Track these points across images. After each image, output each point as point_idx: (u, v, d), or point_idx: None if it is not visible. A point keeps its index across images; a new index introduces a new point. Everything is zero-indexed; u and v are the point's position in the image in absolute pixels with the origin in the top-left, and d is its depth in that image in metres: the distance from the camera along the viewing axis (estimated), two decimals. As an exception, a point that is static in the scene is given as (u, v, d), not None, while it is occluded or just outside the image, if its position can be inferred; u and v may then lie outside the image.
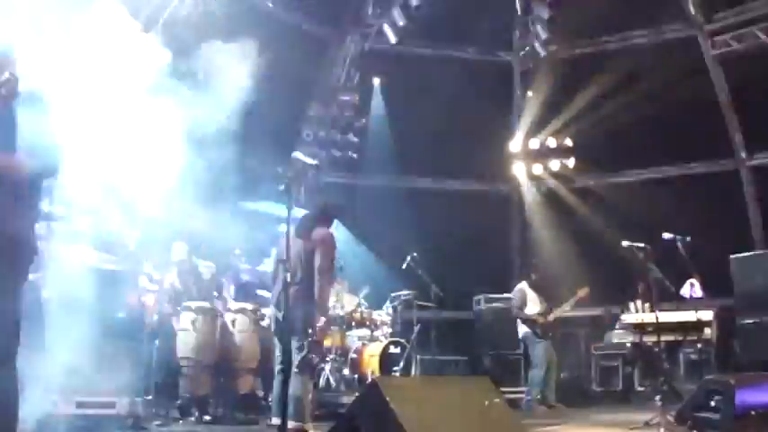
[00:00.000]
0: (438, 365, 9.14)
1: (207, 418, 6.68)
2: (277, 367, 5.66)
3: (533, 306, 8.80)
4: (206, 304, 7.27)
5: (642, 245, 6.69)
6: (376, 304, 8.94)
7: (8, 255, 3.01)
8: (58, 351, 5.50)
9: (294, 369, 5.30)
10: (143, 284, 7.77)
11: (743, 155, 10.57)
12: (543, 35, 10.34)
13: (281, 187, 4.80)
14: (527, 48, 10.96)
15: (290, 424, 4.94)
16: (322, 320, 5.49)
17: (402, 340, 8.58)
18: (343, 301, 8.49)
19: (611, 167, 10.85)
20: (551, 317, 8.75)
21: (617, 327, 8.83)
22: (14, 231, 3.04)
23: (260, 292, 8.21)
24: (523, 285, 8.93)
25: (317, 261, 5.44)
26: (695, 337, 8.02)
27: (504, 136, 11.39)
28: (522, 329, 8.78)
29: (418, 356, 8.63)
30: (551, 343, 8.77)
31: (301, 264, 5.47)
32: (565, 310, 8.84)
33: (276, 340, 5.75)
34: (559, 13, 9.96)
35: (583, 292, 8.79)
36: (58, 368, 5.45)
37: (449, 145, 10.67)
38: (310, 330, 5.37)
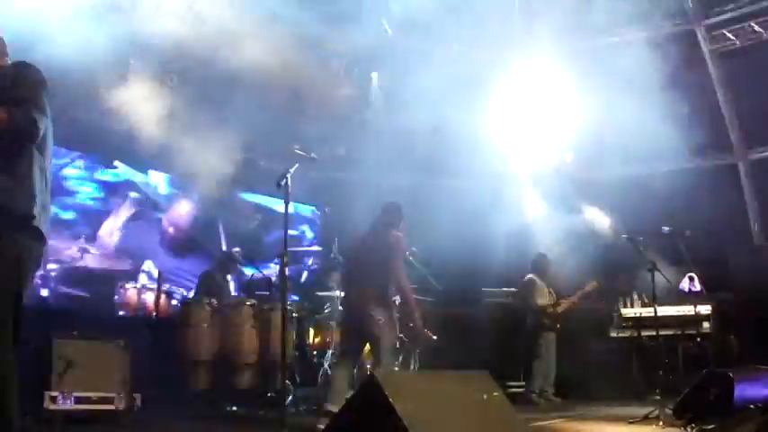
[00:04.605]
0: (437, 360, 9.13)
1: (206, 413, 6.68)
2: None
3: (541, 298, 8.89)
4: (206, 300, 7.28)
5: (641, 238, 6.70)
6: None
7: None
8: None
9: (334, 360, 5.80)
10: (143, 282, 7.83)
11: (741, 149, 10.57)
12: (541, 28, 10.34)
13: (283, 182, 4.81)
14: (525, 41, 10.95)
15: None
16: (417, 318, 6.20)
17: (401, 335, 8.58)
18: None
19: (610, 162, 10.83)
20: (560, 309, 8.82)
21: (616, 321, 8.83)
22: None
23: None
24: (532, 277, 9.02)
25: (394, 263, 5.88)
26: (694, 331, 8.06)
27: (503, 130, 11.35)
28: (530, 320, 8.85)
29: (417, 351, 8.64)
30: (555, 336, 8.81)
31: (377, 267, 5.88)
32: (573, 302, 8.89)
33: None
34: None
35: (591, 286, 8.84)
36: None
37: (448, 140, 10.65)
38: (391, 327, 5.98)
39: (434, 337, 6.94)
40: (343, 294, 6.72)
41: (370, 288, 5.87)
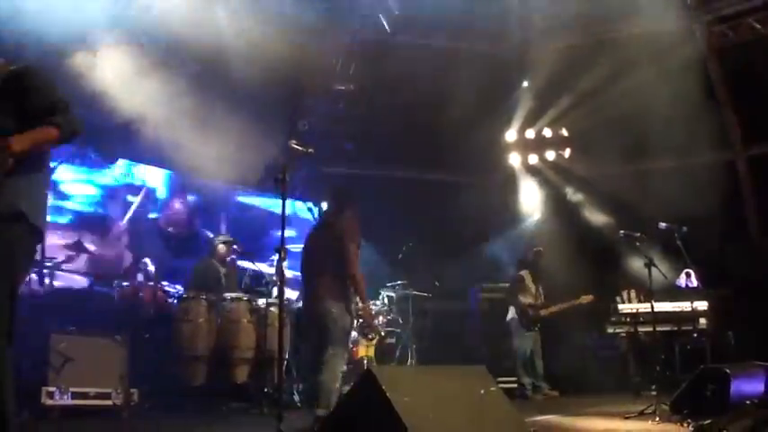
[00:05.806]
0: (434, 355, 9.15)
1: (203, 408, 6.68)
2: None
3: (528, 297, 8.86)
4: (202, 295, 7.27)
5: (638, 234, 6.70)
6: (372, 294, 8.94)
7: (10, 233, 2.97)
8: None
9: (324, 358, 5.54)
10: (140, 278, 7.82)
11: (739, 146, 10.57)
12: (540, 25, 10.34)
13: (279, 176, 4.78)
14: (524, 38, 10.94)
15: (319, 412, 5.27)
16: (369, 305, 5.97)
17: (398, 330, 8.59)
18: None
19: (608, 158, 10.82)
20: (545, 312, 8.79)
21: (613, 317, 8.84)
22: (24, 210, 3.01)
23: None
24: (524, 274, 9.00)
25: (346, 249, 5.57)
26: (691, 327, 8.07)
27: (500, 126, 11.36)
28: (510, 315, 8.85)
29: (414, 346, 8.65)
30: (536, 333, 8.79)
31: (331, 255, 5.62)
32: (560, 309, 8.87)
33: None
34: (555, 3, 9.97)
35: (586, 300, 8.82)
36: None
37: (446, 135, 10.64)
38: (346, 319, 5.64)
39: (382, 333, 6.66)
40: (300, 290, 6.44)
41: (324, 278, 5.61)
